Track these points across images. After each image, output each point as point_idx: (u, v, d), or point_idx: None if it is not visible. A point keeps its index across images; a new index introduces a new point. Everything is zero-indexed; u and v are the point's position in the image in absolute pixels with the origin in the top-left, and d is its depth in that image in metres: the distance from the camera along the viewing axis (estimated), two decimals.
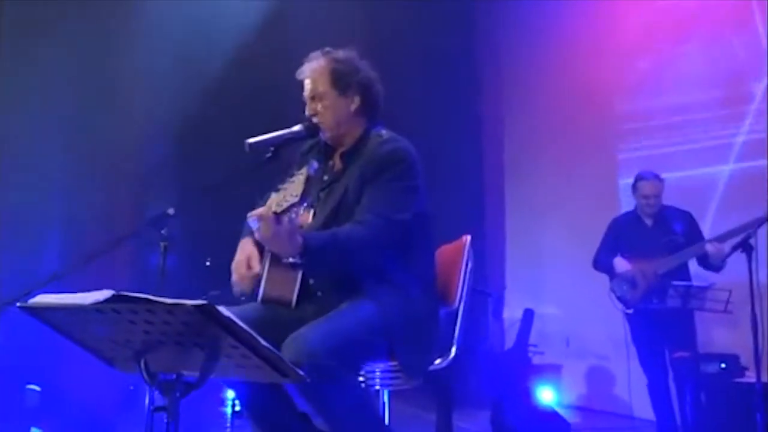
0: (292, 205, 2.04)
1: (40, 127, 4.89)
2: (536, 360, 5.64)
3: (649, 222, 4.58)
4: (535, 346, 5.58)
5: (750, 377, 4.08)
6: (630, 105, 5.97)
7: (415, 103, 5.81)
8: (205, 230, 4.64)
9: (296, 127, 2.42)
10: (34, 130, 4.87)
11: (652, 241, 4.48)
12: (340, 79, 2.42)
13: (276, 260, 2.33)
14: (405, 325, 2.30)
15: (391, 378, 2.33)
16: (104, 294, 1.60)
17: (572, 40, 6.15)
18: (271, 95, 4.67)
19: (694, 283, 4.28)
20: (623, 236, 4.64)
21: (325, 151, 2.50)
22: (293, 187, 2.08)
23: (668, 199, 4.57)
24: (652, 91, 5.74)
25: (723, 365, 4.37)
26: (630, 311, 4.49)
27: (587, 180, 6.09)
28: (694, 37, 5.43)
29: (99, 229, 4.66)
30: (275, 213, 2.04)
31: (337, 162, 2.48)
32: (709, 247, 4.22)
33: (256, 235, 2.15)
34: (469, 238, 2.59)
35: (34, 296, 1.74)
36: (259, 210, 2.09)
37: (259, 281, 2.38)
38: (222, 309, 1.58)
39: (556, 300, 6.18)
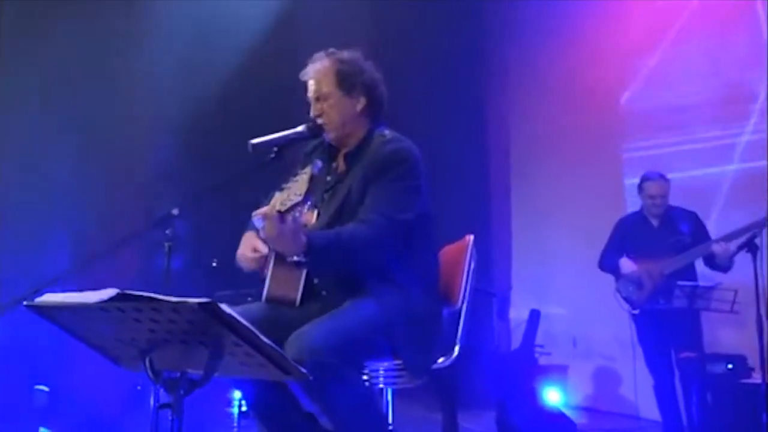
0: (296, 204, 2.05)
1: (40, 128, 4.90)
2: (543, 361, 5.63)
3: (655, 222, 4.57)
4: (541, 346, 5.58)
5: (756, 378, 4.07)
6: (635, 105, 5.96)
7: (421, 104, 5.82)
8: (209, 231, 4.65)
9: (299, 128, 2.43)
10: (35, 130, 4.88)
11: (658, 241, 4.47)
12: (345, 80, 2.43)
13: (280, 259, 2.33)
14: (406, 324, 2.30)
15: (394, 376, 2.34)
16: (109, 293, 1.61)
17: (577, 41, 6.14)
18: (277, 96, 4.68)
19: (700, 283, 4.28)
20: (629, 237, 4.63)
21: (329, 152, 2.51)
22: (297, 186, 2.09)
23: (672, 200, 4.56)
24: (657, 91, 5.72)
25: (730, 366, 4.35)
26: (636, 312, 4.48)
27: (593, 180, 6.07)
28: (698, 38, 5.42)
29: (103, 229, 4.66)
30: (279, 212, 2.05)
31: (340, 163, 2.49)
32: (716, 247, 4.20)
33: (261, 233, 2.17)
34: (471, 237, 2.59)
35: (40, 295, 1.76)
36: (264, 209, 2.10)
37: (267, 261, 2.39)
38: (225, 307, 1.59)
39: (562, 300, 6.17)
